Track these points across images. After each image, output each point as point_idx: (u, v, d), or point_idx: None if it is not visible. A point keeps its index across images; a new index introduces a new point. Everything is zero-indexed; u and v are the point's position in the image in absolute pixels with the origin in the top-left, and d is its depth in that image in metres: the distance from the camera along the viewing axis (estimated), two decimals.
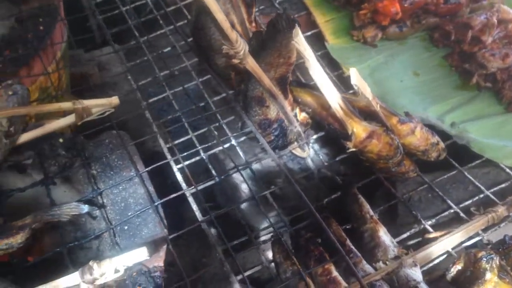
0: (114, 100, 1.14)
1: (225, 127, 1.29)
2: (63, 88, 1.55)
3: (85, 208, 0.97)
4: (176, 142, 1.27)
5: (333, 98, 1.04)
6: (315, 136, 1.30)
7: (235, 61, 0.97)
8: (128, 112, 1.29)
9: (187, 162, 1.20)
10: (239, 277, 0.99)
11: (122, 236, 0.96)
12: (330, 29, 1.46)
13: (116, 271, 0.80)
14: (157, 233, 0.94)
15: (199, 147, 1.25)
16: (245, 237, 1.10)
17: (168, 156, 1.21)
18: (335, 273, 1.05)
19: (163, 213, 0.97)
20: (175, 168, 1.18)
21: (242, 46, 0.95)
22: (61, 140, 1.18)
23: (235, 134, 1.25)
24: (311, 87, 1.21)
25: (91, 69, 1.86)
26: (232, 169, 1.15)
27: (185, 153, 1.20)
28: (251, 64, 0.98)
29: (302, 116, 1.22)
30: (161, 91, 1.44)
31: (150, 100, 1.39)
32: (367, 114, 1.16)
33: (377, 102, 1.04)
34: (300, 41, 0.93)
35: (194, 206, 1.10)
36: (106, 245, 0.98)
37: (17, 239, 0.92)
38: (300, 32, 0.92)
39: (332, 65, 1.46)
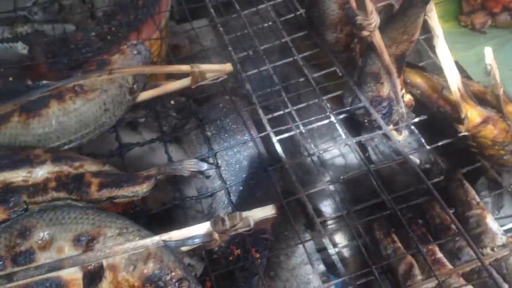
0: (228, 67, 1.17)
1: (324, 103, 1.30)
2: (162, 57, 1.60)
3: (204, 165, 1.01)
4: (276, 114, 1.29)
5: (454, 79, 1.03)
6: (416, 119, 1.28)
7: (365, 33, 0.97)
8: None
9: (284, 135, 1.21)
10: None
11: (237, 195, 1.00)
12: (438, 13, 1.42)
13: (245, 224, 0.83)
14: (270, 196, 0.96)
15: (299, 122, 1.26)
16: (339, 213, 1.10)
17: (268, 127, 1.24)
18: (439, 254, 1.04)
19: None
20: (274, 139, 1.20)
21: (375, 19, 0.95)
22: (172, 102, 1.24)
23: (335, 111, 1.25)
24: (421, 68, 1.20)
25: (183, 41, 1.90)
26: (334, 146, 1.15)
27: (283, 127, 1.21)
28: (378, 38, 0.98)
29: (408, 97, 1.21)
30: (260, 64, 1.46)
31: (249, 73, 1.41)
32: (478, 100, 1.14)
33: (501, 86, 1.01)
34: (433, 16, 0.92)
35: (294, 177, 1.11)
36: (220, 203, 1.02)
37: (143, 188, 0.97)
38: (434, 7, 0.91)
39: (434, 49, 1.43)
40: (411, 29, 0.99)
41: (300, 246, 1.28)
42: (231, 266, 0.97)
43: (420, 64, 1.25)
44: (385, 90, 1.10)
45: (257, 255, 0.99)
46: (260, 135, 1.07)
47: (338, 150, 1.37)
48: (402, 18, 0.97)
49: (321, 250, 1.47)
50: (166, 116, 1.19)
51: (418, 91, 1.18)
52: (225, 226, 0.83)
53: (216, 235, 0.83)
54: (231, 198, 0.99)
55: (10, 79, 1.18)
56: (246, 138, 1.06)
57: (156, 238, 0.83)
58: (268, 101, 1.34)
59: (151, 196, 1.03)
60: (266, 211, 0.83)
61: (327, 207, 1.25)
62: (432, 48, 1.43)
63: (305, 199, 1.05)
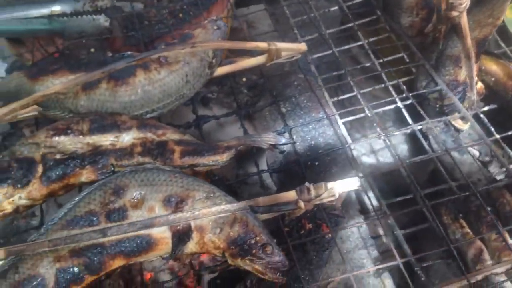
0: (303, 46, 1.19)
1: (390, 88, 1.30)
2: (227, 36, 1.64)
3: (283, 139, 1.03)
4: (341, 97, 1.30)
5: None
6: (485, 108, 1.27)
7: (454, 13, 0.97)
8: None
9: (349, 118, 1.22)
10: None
11: (313, 171, 1.02)
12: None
13: (330, 195, 0.85)
14: (346, 173, 0.98)
15: (364, 105, 1.26)
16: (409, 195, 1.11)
17: (333, 109, 1.25)
18: (511, 240, 1.04)
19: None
20: (339, 121, 1.21)
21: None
22: (244, 79, 1.26)
23: (400, 96, 1.25)
24: (497, 56, 1.18)
25: (241, 24, 1.93)
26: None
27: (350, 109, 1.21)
28: (464, 20, 0.98)
29: (479, 85, 1.20)
30: (324, 48, 1.47)
31: (315, 56, 1.43)
32: None
33: None
34: None
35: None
36: (295, 176, 1.04)
37: (223, 158, 1.00)
38: None
39: (505, 39, 1.41)
40: (497, 13, 0.98)
41: (355, 230, 1.30)
42: (304, 238, 0.98)
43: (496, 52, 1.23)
44: (462, 74, 1.09)
45: (328, 230, 1.01)
46: (335, 113, 1.09)
47: (402, 135, 1.37)
48: (491, 0, 0.96)
49: (375, 237, 1.49)
50: (238, 93, 1.21)
51: (493, 79, 1.17)
52: (310, 195, 0.85)
53: (301, 203, 0.85)
54: (306, 173, 1.02)
55: (92, 50, 1.24)
56: (321, 116, 1.08)
57: (243, 203, 0.86)
58: (332, 84, 1.35)
59: (228, 167, 1.06)
60: (351, 183, 0.85)
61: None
62: (503, 37, 1.42)
63: (370, 180, 1.06)
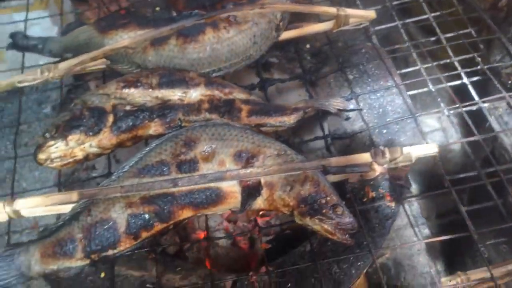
0: (371, 14, 1.16)
1: (456, 64, 1.26)
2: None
3: (351, 105, 1.02)
4: (404, 71, 1.26)
5: None
6: None
7: None
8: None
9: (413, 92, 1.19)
10: None
11: (380, 138, 1.00)
12: None
13: (406, 159, 0.83)
14: (415, 142, 0.96)
15: (427, 77, 1.22)
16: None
17: (398, 80, 1.21)
18: None
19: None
20: (405, 94, 1.18)
21: None
22: (308, 46, 1.25)
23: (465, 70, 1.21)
24: None
25: None
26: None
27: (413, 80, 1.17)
28: None
29: None
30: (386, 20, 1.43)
31: (377, 28, 1.39)
32: None
33: None
34: None
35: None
36: (359, 144, 1.03)
37: (291, 119, 1.00)
38: None
39: None
40: None
41: (407, 208, 1.28)
42: (368, 205, 0.97)
43: None
44: None
45: (392, 201, 0.99)
46: (404, 82, 1.06)
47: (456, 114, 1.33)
48: None
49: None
50: (301, 59, 1.20)
51: None
52: (385, 159, 0.84)
53: (375, 166, 0.84)
54: (374, 140, 1.00)
55: (157, 9, 1.24)
56: (390, 84, 1.05)
57: (316, 162, 0.85)
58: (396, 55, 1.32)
59: (292, 130, 1.06)
60: (429, 149, 0.83)
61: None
62: None
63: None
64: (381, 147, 0.84)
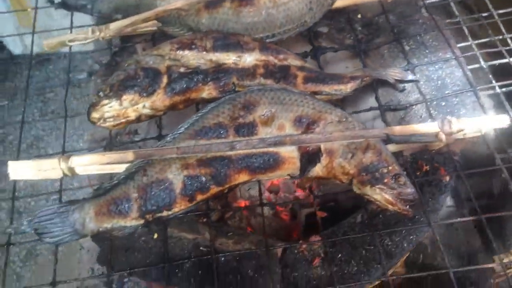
0: None
1: (509, 41, 1.21)
2: None
3: (409, 75, 0.99)
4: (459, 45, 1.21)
5: None
6: None
7: None
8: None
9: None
10: None
11: (438, 111, 0.97)
12: None
13: (475, 130, 0.81)
14: (475, 116, 0.93)
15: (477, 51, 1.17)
16: None
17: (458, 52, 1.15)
18: None
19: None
20: (465, 66, 1.12)
21: None
22: (359, 16, 1.21)
23: None
24: None
25: None
26: None
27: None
28: None
29: None
30: None
31: (428, 1, 1.34)
32: None
33: None
34: None
35: None
36: (414, 117, 1.00)
37: (347, 88, 0.97)
38: None
39: None
40: None
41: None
42: (423, 178, 0.95)
43: None
44: None
45: (446, 175, 0.97)
46: (465, 54, 1.03)
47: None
48: None
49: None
50: (352, 29, 1.17)
51: None
52: (452, 129, 0.81)
53: (442, 136, 0.81)
54: (432, 112, 0.97)
55: None
56: (449, 56, 1.02)
57: (379, 130, 0.83)
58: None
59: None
60: (500, 121, 0.80)
61: None
62: None
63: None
64: (449, 117, 0.81)
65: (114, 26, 1.05)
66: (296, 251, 0.94)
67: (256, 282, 0.87)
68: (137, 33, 1.09)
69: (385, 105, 1.00)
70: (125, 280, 1.45)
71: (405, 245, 0.94)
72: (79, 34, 1.05)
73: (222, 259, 0.87)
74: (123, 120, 0.94)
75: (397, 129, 0.82)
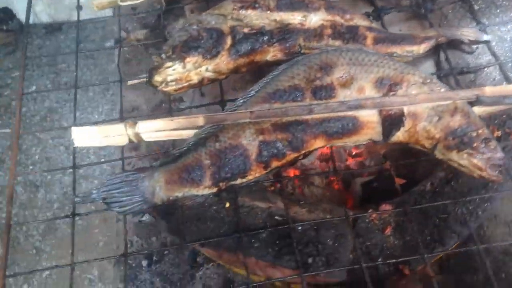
0: None
1: None
2: None
3: (484, 35, 0.94)
4: None
5: None
6: None
7: None
8: None
9: None
10: None
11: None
12: None
13: None
14: None
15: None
16: None
17: None
18: None
19: None
20: None
21: None
22: None
23: None
24: None
25: None
26: None
27: None
28: None
29: None
30: None
31: None
32: None
33: None
34: None
35: None
36: (487, 80, 0.96)
37: (420, 49, 0.93)
38: None
39: None
40: None
41: None
42: None
43: None
44: None
45: None
46: None
47: None
48: None
49: None
50: None
51: None
52: None
53: None
54: (507, 74, 0.93)
55: None
56: None
57: (469, 91, 0.78)
58: None
59: None
60: None
61: None
62: None
63: None
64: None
65: None
66: (367, 220, 0.91)
67: (336, 251, 0.83)
68: None
69: (457, 68, 0.95)
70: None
71: (480, 213, 0.91)
72: None
73: (299, 228, 0.83)
74: (185, 84, 0.89)
75: (489, 90, 0.77)
